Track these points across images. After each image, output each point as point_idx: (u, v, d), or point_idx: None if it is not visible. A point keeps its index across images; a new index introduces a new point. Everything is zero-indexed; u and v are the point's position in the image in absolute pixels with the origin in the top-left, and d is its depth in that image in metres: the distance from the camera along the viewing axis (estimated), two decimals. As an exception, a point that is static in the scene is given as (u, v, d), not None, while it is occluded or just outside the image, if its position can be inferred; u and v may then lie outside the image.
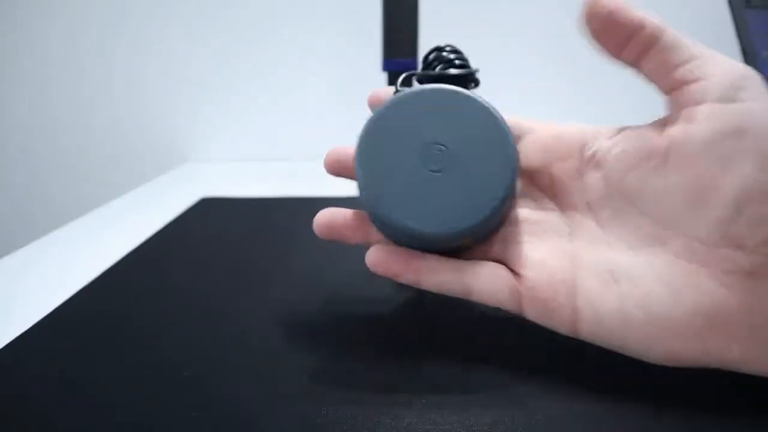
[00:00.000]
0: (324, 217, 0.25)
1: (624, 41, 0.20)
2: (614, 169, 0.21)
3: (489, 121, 0.22)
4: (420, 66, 0.28)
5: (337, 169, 0.25)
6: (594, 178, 0.21)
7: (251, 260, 0.35)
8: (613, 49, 0.21)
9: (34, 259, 0.38)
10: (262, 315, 0.28)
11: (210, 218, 0.45)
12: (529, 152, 0.23)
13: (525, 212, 0.23)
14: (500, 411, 0.20)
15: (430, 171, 0.22)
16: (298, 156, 0.78)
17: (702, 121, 0.18)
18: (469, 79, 0.26)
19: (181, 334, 0.26)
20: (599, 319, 0.20)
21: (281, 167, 0.70)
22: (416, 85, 0.23)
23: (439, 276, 0.22)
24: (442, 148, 0.22)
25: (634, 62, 0.21)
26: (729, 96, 0.18)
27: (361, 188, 0.22)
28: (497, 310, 0.27)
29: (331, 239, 0.25)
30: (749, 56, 0.54)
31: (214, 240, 0.40)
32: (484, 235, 0.23)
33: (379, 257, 0.23)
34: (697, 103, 0.18)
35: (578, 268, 0.21)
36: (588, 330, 0.20)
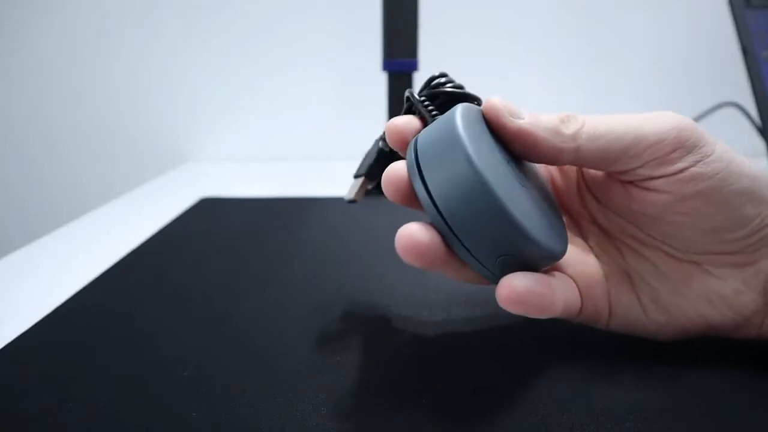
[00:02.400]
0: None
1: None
2: (597, 194, 0.24)
3: None
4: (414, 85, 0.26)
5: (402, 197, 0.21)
6: (585, 195, 0.24)
7: (251, 260, 0.35)
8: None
9: (34, 259, 0.38)
10: (261, 314, 0.28)
11: (210, 218, 0.45)
12: None
13: None
14: (500, 411, 0.20)
15: (524, 188, 0.20)
16: (298, 156, 0.78)
17: (663, 191, 0.20)
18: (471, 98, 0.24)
19: (181, 334, 0.26)
20: (626, 314, 0.23)
21: (281, 167, 0.70)
22: (457, 106, 0.21)
23: (561, 299, 0.21)
24: (513, 164, 0.21)
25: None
26: (678, 168, 0.20)
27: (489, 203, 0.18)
28: (496, 310, 0.27)
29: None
30: (749, 56, 0.54)
31: (214, 240, 0.40)
32: None
33: (526, 284, 0.19)
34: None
35: (605, 274, 0.23)
36: (615, 323, 0.23)
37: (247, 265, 0.34)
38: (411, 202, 0.20)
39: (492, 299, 0.28)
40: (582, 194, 0.24)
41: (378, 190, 0.26)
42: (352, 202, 0.28)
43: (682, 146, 0.19)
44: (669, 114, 0.20)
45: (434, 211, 0.19)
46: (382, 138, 0.27)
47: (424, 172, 0.19)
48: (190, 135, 0.79)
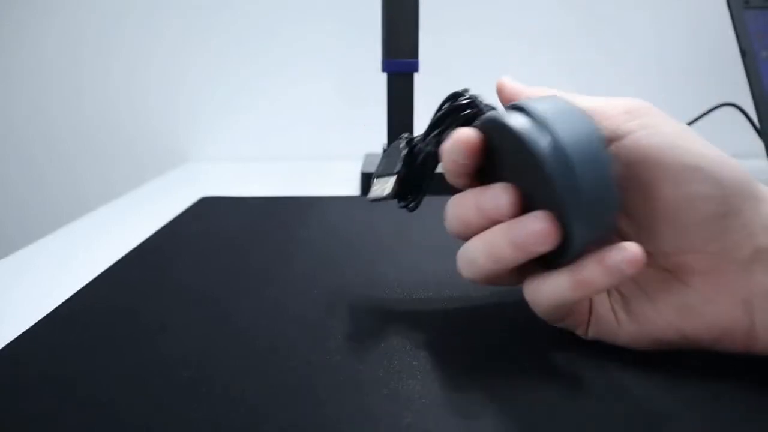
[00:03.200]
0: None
1: None
2: None
3: None
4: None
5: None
6: None
7: (251, 260, 0.35)
8: None
9: (34, 259, 0.38)
10: (261, 314, 0.28)
11: (210, 218, 0.45)
12: None
13: None
14: (500, 411, 0.20)
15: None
16: (298, 156, 0.78)
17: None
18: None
19: (181, 334, 0.26)
20: (597, 320, 0.23)
21: (281, 167, 0.70)
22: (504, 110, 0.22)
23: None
24: None
25: None
26: (623, 133, 0.21)
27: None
28: (498, 309, 0.27)
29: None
30: (748, 56, 0.54)
31: (214, 239, 0.40)
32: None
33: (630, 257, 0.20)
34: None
35: None
36: (591, 333, 0.24)
37: (247, 265, 0.34)
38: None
39: (493, 294, 0.28)
40: None
41: (397, 197, 0.28)
42: (378, 200, 0.28)
43: (630, 112, 0.21)
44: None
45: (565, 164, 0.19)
46: (422, 138, 0.28)
47: (553, 126, 0.19)
48: (190, 135, 0.79)
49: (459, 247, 0.24)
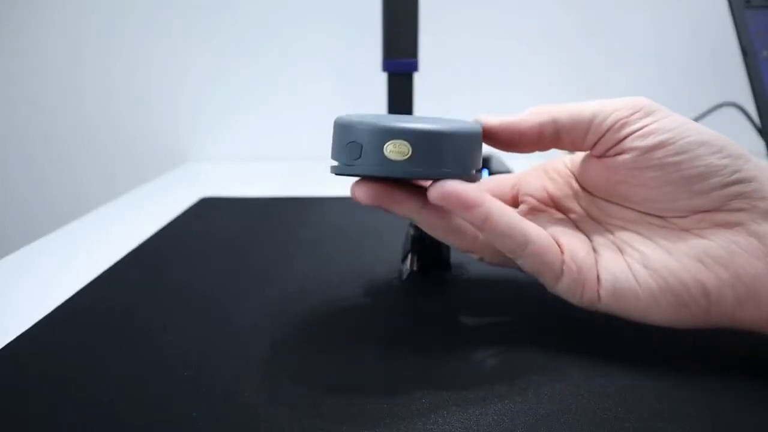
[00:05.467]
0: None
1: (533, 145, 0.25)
2: (587, 186, 0.26)
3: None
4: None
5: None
6: (577, 191, 0.27)
7: (251, 260, 0.35)
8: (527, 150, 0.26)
9: (34, 259, 0.38)
10: (261, 314, 0.28)
11: (210, 218, 0.45)
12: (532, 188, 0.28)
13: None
14: (500, 411, 0.20)
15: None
16: (298, 156, 0.78)
17: (627, 152, 0.23)
18: None
19: (181, 334, 0.26)
20: (616, 282, 0.23)
21: (281, 167, 0.70)
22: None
23: (507, 218, 0.23)
24: None
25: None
26: (634, 129, 0.23)
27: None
28: (497, 308, 0.27)
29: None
30: (749, 56, 0.54)
31: (214, 239, 0.40)
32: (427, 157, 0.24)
33: (452, 188, 0.22)
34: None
35: (594, 248, 0.25)
36: (607, 297, 0.23)
37: (247, 265, 0.34)
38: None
39: (493, 293, 0.28)
40: (575, 192, 0.27)
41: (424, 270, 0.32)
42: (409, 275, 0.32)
43: (640, 110, 0.23)
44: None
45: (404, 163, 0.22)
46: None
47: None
48: (190, 135, 0.79)
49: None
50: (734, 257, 0.21)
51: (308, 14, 0.74)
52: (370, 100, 0.69)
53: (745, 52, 0.54)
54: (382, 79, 0.65)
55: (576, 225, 0.26)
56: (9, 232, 0.81)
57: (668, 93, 0.75)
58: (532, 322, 0.27)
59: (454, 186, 0.22)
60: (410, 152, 0.22)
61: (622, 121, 0.23)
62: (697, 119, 0.62)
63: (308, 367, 0.23)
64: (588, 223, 0.26)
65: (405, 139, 0.22)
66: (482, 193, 0.22)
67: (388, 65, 0.56)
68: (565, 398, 0.21)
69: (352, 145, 0.22)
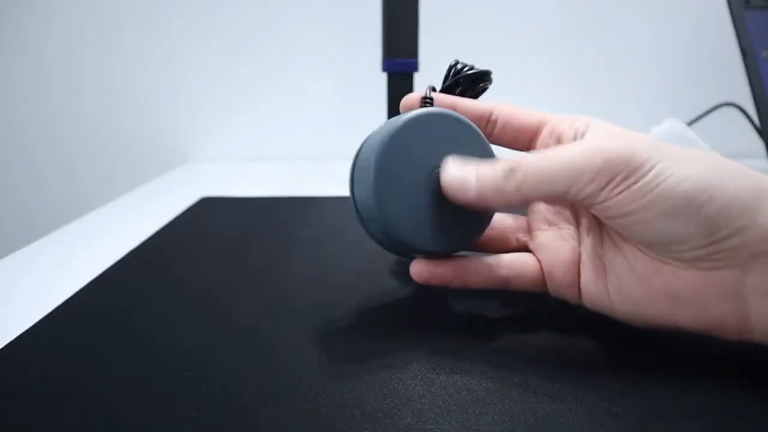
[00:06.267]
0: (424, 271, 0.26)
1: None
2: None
3: (476, 141, 0.26)
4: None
5: None
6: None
7: (251, 259, 0.35)
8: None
9: (34, 259, 0.38)
10: (261, 314, 0.28)
11: (210, 217, 0.45)
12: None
13: (540, 216, 0.28)
14: (500, 411, 0.20)
15: (435, 193, 0.24)
16: (298, 156, 0.78)
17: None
18: (485, 79, 0.28)
19: (182, 334, 0.26)
20: (594, 296, 0.24)
21: (281, 167, 0.70)
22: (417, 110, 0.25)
23: (483, 276, 0.25)
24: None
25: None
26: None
27: (375, 206, 0.24)
28: (497, 308, 0.27)
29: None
30: (748, 56, 0.54)
31: (214, 239, 0.40)
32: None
33: (427, 269, 0.25)
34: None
35: (580, 258, 0.25)
36: (589, 304, 0.25)
37: (247, 265, 0.34)
38: None
39: (494, 292, 0.28)
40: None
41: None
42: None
43: (617, 173, 0.21)
44: (599, 145, 0.21)
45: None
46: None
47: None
48: (190, 135, 0.79)
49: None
50: (703, 301, 0.21)
51: (308, 14, 0.74)
52: (370, 100, 0.69)
53: (745, 53, 0.54)
54: (382, 79, 0.65)
55: (578, 228, 0.26)
56: (9, 232, 0.81)
57: (668, 93, 0.75)
58: (531, 322, 0.27)
59: (427, 266, 0.25)
60: None
61: (598, 187, 0.21)
62: (696, 120, 0.62)
63: (308, 367, 0.23)
64: (589, 231, 0.26)
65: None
66: (454, 263, 0.25)
67: (388, 65, 0.56)
68: (565, 398, 0.21)
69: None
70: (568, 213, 0.27)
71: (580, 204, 0.23)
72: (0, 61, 0.76)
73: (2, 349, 0.25)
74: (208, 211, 0.47)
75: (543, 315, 0.27)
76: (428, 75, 0.64)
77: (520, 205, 0.24)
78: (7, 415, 0.20)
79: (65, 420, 0.20)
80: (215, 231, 0.42)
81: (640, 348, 0.24)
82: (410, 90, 0.57)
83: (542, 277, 0.26)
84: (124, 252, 0.38)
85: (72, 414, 0.20)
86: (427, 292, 0.30)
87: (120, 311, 0.29)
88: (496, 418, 0.20)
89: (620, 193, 0.21)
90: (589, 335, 0.25)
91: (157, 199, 0.54)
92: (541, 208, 0.28)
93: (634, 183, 0.21)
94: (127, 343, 0.25)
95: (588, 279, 0.24)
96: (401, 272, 0.33)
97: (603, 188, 0.21)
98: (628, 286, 0.23)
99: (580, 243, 0.26)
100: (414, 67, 0.56)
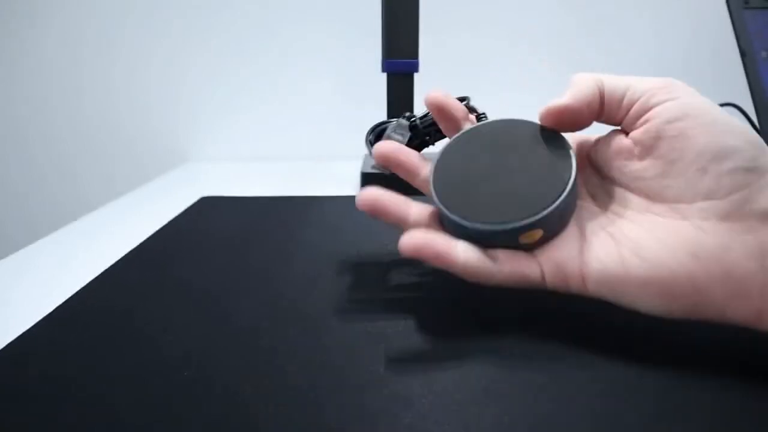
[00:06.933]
0: (370, 195, 0.27)
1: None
2: (600, 167, 0.27)
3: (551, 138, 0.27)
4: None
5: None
6: (588, 174, 0.28)
7: (251, 259, 0.35)
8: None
9: (34, 259, 0.38)
10: (261, 314, 0.28)
11: (210, 217, 0.45)
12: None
13: None
14: (500, 411, 0.20)
15: (500, 180, 0.26)
16: (298, 156, 0.78)
17: (653, 119, 0.24)
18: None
19: (182, 334, 0.26)
20: (604, 269, 0.23)
21: (281, 167, 0.70)
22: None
23: (469, 259, 0.24)
24: (511, 162, 0.26)
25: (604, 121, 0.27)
26: (663, 99, 0.24)
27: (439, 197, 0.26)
28: (497, 309, 0.27)
29: (374, 215, 0.27)
30: (748, 56, 0.54)
31: (214, 239, 0.40)
32: (550, 232, 0.25)
33: (416, 239, 0.24)
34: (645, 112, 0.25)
35: (585, 236, 0.25)
36: (594, 285, 0.24)
37: (248, 264, 0.34)
38: None
39: (495, 293, 0.28)
40: (585, 177, 0.28)
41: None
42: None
43: (670, 85, 0.24)
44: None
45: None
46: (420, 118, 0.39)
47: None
48: (190, 135, 0.79)
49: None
50: (728, 254, 0.21)
51: (308, 14, 0.74)
52: (370, 100, 0.69)
53: (744, 53, 0.54)
54: (382, 79, 0.65)
55: (592, 197, 0.27)
56: (9, 232, 0.81)
57: (668, 93, 0.75)
58: (531, 322, 0.27)
59: (424, 239, 0.24)
60: (542, 233, 0.25)
61: (652, 92, 0.24)
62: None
63: (308, 366, 0.23)
64: (589, 210, 0.26)
65: (537, 228, 0.24)
66: (449, 242, 0.25)
67: (388, 65, 0.56)
68: (565, 398, 0.21)
69: (485, 242, 0.25)
70: None
71: (632, 112, 0.25)
72: (0, 61, 0.76)
73: (2, 349, 0.25)
74: (208, 211, 0.47)
75: (543, 315, 0.27)
76: (428, 75, 0.65)
77: (589, 104, 0.27)
78: (7, 415, 0.20)
79: (65, 420, 0.20)
80: (215, 231, 0.42)
81: (641, 348, 0.24)
82: (410, 90, 0.57)
83: (536, 265, 0.25)
84: (124, 252, 0.38)
85: (72, 414, 0.20)
86: (427, 292, 0.30)
87: (120, 311, 0.29)
88: (496, 418, 0.20)
89: (677, 98, 0.24)
90: (589, 335, 0.25)
91: (157, 199, 0.54)
92: None
93: (692, 95, 0.24)
94: (127, 343, 0.25)
95: (595, 250, 0.24)
96: (402, 272, 0.33)
97: (659, 89, 0.24)
98: (647, 249, 0.22)
99: (579, 225, 0.26)
100: (414, 67, 0.56)
